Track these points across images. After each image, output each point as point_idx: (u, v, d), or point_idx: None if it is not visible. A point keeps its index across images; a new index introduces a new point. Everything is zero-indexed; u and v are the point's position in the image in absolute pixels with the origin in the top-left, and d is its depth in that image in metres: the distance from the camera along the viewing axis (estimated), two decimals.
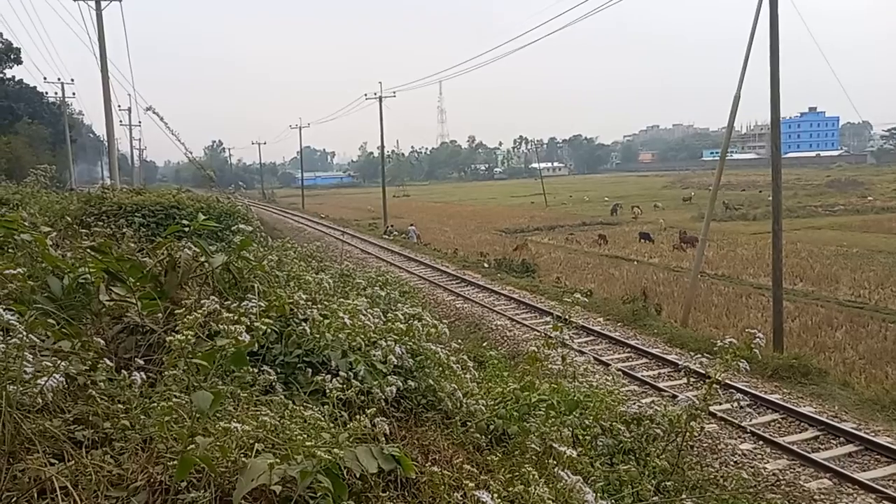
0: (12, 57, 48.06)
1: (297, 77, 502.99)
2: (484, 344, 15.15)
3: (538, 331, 16.49)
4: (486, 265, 29.94)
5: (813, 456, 9.98)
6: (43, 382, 2.36)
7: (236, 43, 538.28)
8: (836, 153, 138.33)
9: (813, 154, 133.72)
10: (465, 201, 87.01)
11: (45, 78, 57.86)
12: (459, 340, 7.10)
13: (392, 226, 48.67)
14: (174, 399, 2.55)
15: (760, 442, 10.47)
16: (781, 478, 9.37)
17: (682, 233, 40.67)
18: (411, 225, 45.83)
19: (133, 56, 31.53)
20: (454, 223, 57.67)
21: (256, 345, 3.10)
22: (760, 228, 41.20)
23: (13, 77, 53.20)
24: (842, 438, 10.68)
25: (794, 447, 10.26)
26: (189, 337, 2.52)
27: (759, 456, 10.08)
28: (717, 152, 71.70)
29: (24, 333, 2.55)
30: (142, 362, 3.11)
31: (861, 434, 10.64)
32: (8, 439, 2.18)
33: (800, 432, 11.01)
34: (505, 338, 17.34)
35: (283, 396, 3.23)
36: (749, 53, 17.91)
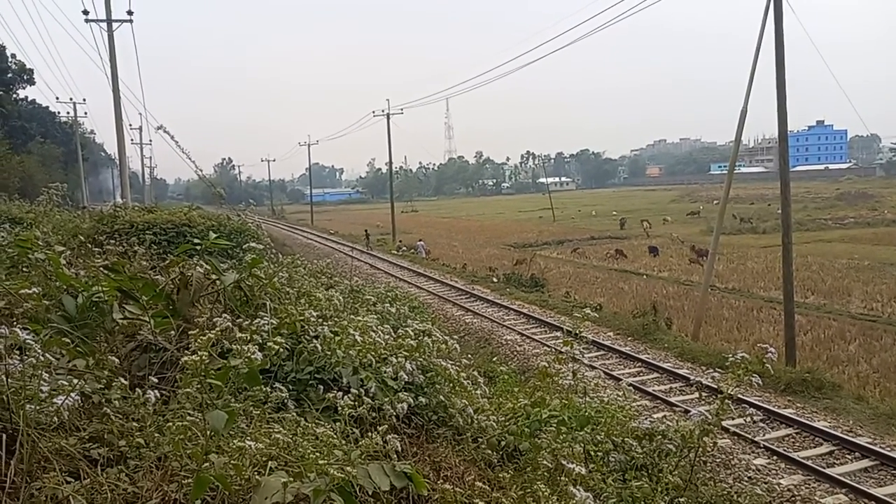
0: (25, 78, 48.73)
1: (307, 88, 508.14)
2: (494, 359, 15.11)
3: (548, 346, 16.44)
4: (494, 280, 29.90)
5: (828, 471, 9.85)
6: (59, 401, 2.39)
7: (246, 54, 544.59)
8: (844, 166, 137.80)
9: (821, 167, 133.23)
10: (473, 216, 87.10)
11: (57, 98, 58.59)
12: (469, 356, 7.08)
13: (401, 241, 48.89)
14: (188, 418, 2.56)
15: (774, 457, 10.35)
16: (796, 493, 9.25)
17: (693, 247, 40.50)
18: (420, 240, 45.93)
19: (144, 66, 31.89)
20: (462, 238, 57.70)
21: (268, 362, 3.12)
22: (770, 241, 40.98)
23: (26, 97, 54.04)
24: (857, 453, 10.54)
25: (809, 462, 10.14)
26: (204, 357, 2.55)
27: (774, 471, 9.96)
28: (724, 166, 71.49)
29: (40, 352, 2.58)
30: (155, 380, 3.13)
31: (877, 449, 10.50)
32: (25, 458, 2.20)
33: (814, 447, 10.88)
34: (515, 353, 17.28)
35: (294, 414, 3.25)
36: (755, 67, 17.95)
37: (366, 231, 50.43)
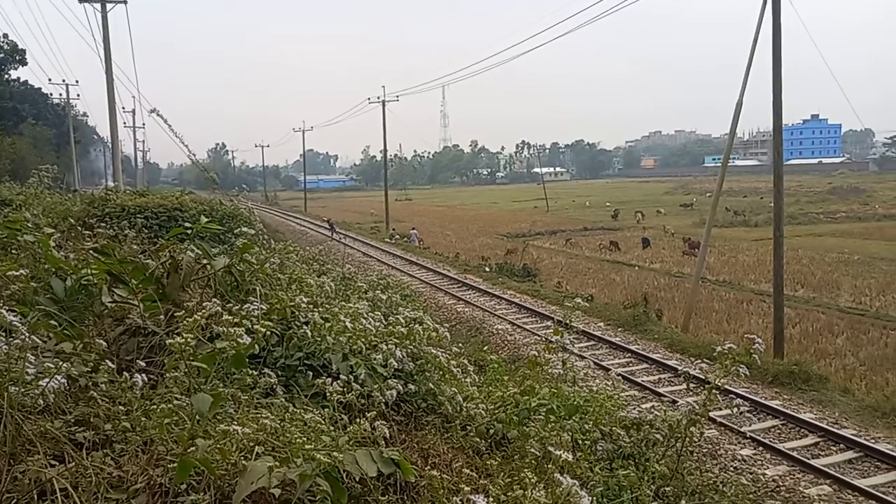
0: (17, 58, 48.14)
1: (303, 75, 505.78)
2: (485, 348, 15.13)
3: (539, 335, 16.49)
4: (487, 269, 29.94)
5: (813, 462, 9.96)
6: (45, 384, 2.38)
7: (242, 40, 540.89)
8: (838, 160, 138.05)
9: (815, 161, 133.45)
10: (467, 205, 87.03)
11: (49, 79, 58.02)
12: (460, 344, 7.09)
13: (394, 229, 48.83)
14: (175, 401, 2.56)
15: (760, 448, 10.45)
16: (781, 484, 9.35)
17: (686, 239, 40.65)
18: (413, 229, 45.89)
19: (138, 50, 31.48)
20: (456, 227, 57.69)
21: (257, 347, 3.11)
22: (762, 235, 41.20)
23: (18, 78, 53.42)
24: (842, 445, 10.66)
25: (794, 453, 10.25)
26: (189, 339, 2.53)
27: (759, 462, 10.06)
28: (718, 159, 71.59)
29: (27, 335, 2.56)
30: (143, 364, 3.12)
31: (861, 441, 10.62)
32: (9, 440, 2.20)
33: (800, 438, 10.99)
34: (505, 342, 17.33)
35: (283, 399, 3.24)
36: (751, 61, 17.95)
37: (328, 220, 50.21)
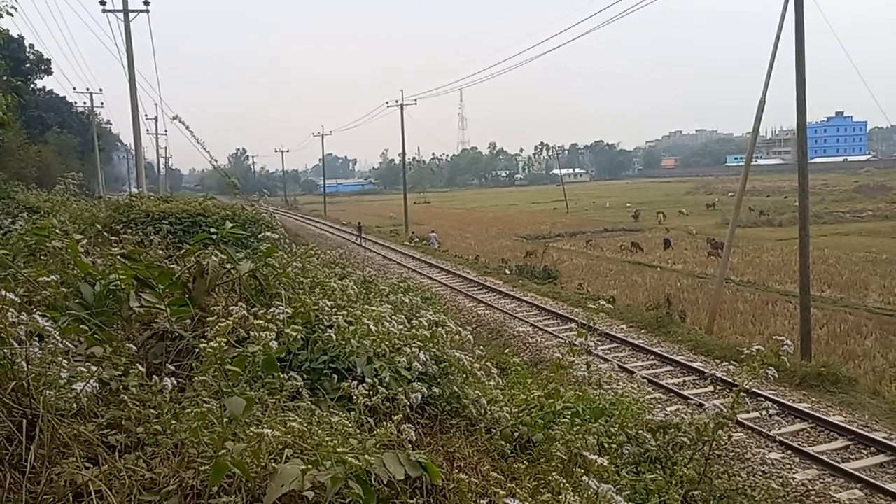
0: (43, 68, 48.96)
1: (322, 79, 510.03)
2: (506, 351, 15.07)
3: (561, 338, 16.39)
4: (507, 271, 29.86)
5: (843, 466, 9.78)
6: (78, 388, 2.41)
7: (262, 43, 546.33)
8: (863, 158, 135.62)
9: (840, 159, 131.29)
10: (485, 208, 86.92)
11: (74, 88, 59.15)
12: (482, 347, 7.08)
13: (413, 232, 48.96)
14: (205, 405, 2.58)
15: (789, 451, 10.29)
16: (811, 488, 9.19)
17: (710, 239, 40.15)
18: (432, 231, 45.95)
19: (159, 54, 31.71)
20: (475, 230, 57.63)
21: (284, 351, 3.13)
22: (786, 234, 40.61)
23: (43, 87, 54.40)
24: (872, 448, 10.45)
25: (824, 457, 10.06)
26: (222, 344, 2.55)
27: (788, 465, 9.90)
28: (741, 158, 70.84)
29: (59, 339, 2.61)
30: (172, 368, 3.15)
31: (893, 444, 10.40)
32: (46, 443, 2.23)
33: (829, 442, 10.80)
34: (527, 344, 17.26)
35: (309, 402, 3.25)
36: (773, 60, 17.71)
37: (358, 223, 50.43)
